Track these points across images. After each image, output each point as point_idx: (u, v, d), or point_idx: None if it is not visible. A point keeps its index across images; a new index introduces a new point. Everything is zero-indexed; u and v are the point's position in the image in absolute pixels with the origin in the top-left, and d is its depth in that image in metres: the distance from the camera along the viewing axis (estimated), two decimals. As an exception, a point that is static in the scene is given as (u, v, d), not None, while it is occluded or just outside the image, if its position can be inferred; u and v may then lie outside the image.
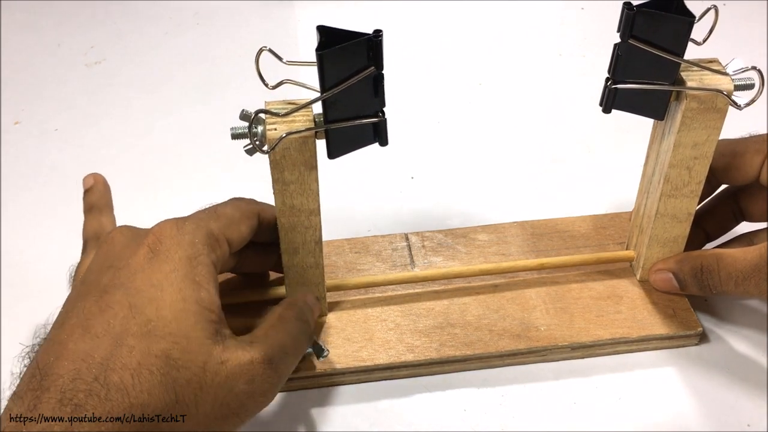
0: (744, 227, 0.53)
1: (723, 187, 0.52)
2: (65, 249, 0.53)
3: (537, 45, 0.79)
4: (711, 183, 0.51)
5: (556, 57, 0.77)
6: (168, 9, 0.84)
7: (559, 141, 0.67)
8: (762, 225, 0.51)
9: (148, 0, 0.85)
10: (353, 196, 0.62)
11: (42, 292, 0.52)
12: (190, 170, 0.65)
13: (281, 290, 0.49)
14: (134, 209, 0.61)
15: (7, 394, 0.37)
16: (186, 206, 0.61)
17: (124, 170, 0.65)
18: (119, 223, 0.59)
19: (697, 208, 0.49)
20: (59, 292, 0.48)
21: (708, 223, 0.53)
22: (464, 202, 0.61)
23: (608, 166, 0.64)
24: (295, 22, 0.83)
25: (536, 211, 0.59)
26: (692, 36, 0.42)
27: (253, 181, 0.63)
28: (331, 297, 0.50)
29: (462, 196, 0.62)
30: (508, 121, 0.70)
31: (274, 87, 0.43)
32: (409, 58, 0.76)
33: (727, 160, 0.49)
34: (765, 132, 0.50)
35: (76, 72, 0.76)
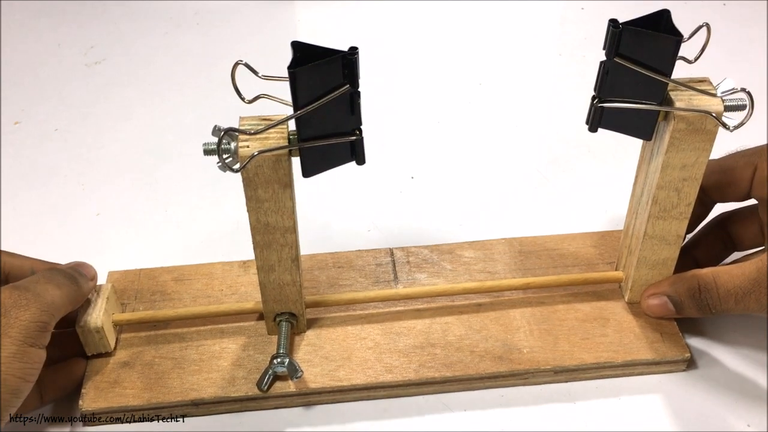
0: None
1: (713, 216, 0.51)
2: (65, 249, 0.53)
3: (537, 45, 0.78)
4: (704, 203, 0.49)
5: (556, 57, 0.76)
6: (168, 9, 0.83)
7: (559, 141, 0.67)
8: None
9: (148, 0, 0.84)
10: (353, 195, 0.62)
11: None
12: (190, 170, 0.65)
13: (258, 306, 0.48)
14: (134, 209, 0.61)
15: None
16: (185, 206, 0.61)
17: (124, 170, 0.65)
18: (129, 220, 0.59)
19: (687, 239, 0.47)
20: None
21: (699, 254, 0.51)
22: (464, 202, 0.61)
23: (609, 169, 0.63)
24: (295, 22, 0.82)
25: (536, 211, 0.58)
26: (692, 50, 0.40)
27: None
28: (310, 314, 0.49)
29: (462, 196, 0.62)
30: (508, 121, 0.69)
31: (251, 101, 0.43)
32: (409, 58, 0.75)
33: (716, 177, 0.47)
34: (751, 146, 0.48)
35: (76, 72, 0.76)
